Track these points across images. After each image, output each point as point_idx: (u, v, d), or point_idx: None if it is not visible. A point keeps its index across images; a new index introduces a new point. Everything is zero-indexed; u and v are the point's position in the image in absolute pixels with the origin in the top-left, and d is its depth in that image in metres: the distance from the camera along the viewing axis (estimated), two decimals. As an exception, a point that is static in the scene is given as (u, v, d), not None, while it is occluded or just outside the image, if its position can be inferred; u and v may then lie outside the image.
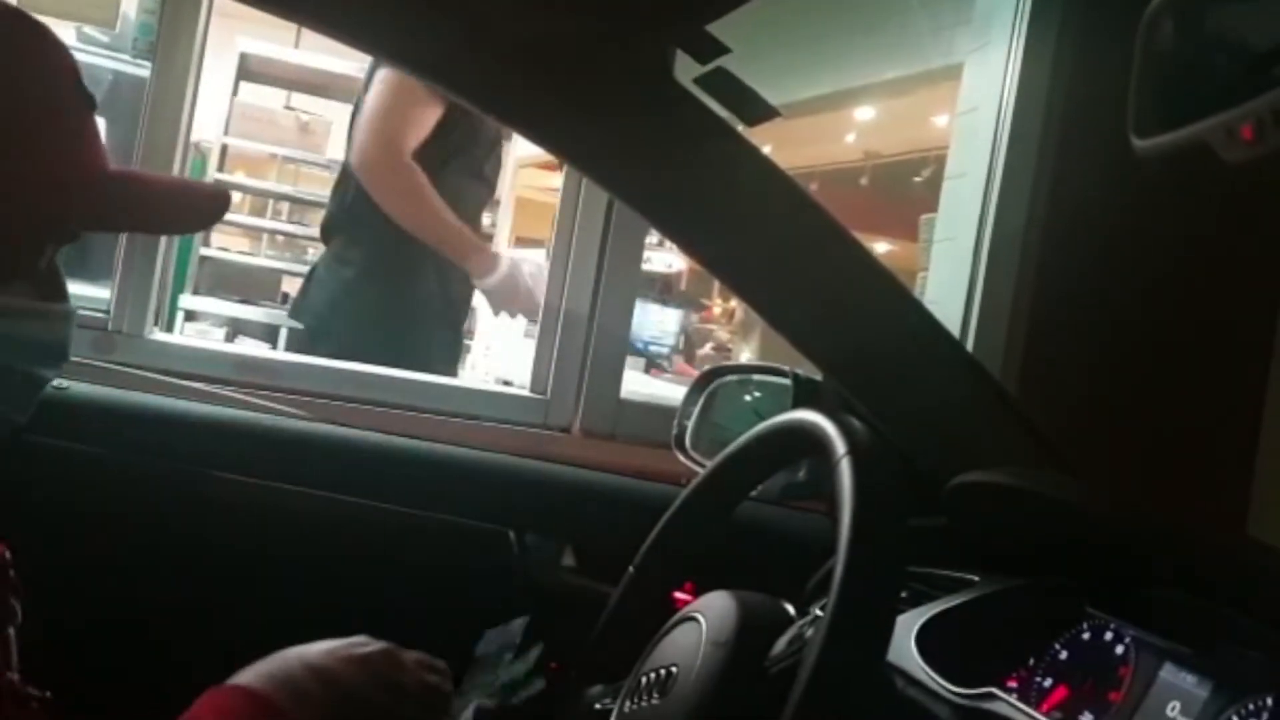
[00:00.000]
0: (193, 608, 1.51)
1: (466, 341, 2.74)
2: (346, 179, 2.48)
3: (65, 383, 1.58)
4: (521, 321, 2.57)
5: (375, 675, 1.07)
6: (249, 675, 0.98)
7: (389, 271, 2.40)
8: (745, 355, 5.59)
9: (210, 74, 2.59)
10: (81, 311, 1.93)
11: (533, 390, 2.10)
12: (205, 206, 1.11)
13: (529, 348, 2.20)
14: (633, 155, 1.19)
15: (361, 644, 1.10)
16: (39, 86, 0.96)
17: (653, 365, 5.63)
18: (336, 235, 2.52)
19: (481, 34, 1.12)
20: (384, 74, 2.36)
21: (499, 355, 2.77)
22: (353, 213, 2.42)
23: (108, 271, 2.00)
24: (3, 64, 0.94)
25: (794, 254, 1.21)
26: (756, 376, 1.47)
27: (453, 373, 2.52)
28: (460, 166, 2.44)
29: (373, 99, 2.35)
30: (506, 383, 2.39)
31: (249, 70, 5.11)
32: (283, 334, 4.04)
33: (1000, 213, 2.13)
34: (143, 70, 2.17)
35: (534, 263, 2.43)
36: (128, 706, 1.47)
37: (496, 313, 2.44)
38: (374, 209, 2.35)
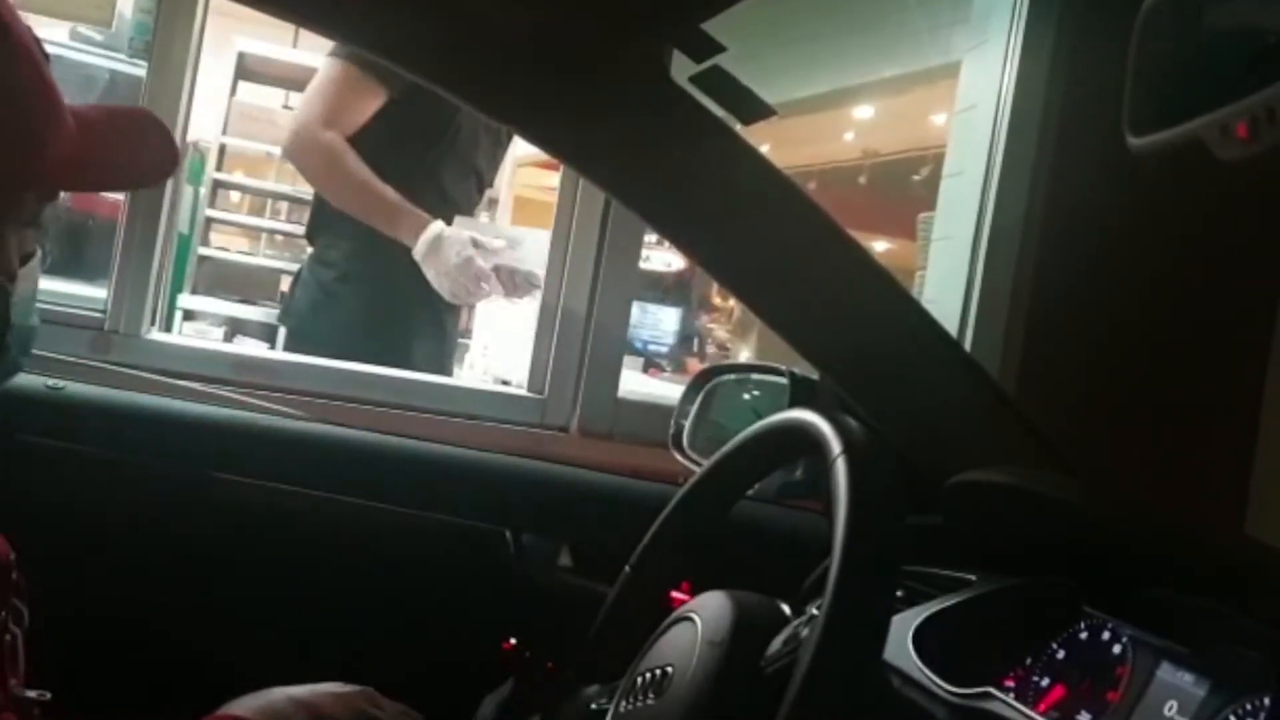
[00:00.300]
0: (190, 607, 1.51)
1: (465, 341, 2.72)
2: None
3: (61, 383, 1.58)
4: (519, 322, 2.54)
5: (356, 713, 1.13)
6: (238, 706, 1.02)
7: (368, 272, 2.38)
8: (744, 354, 5.59)
9: (208, 73, 2.59)
10: (78, 311, 1.94)
11: (530, 390, 2.10)
12: (154, 164, 1.10)
13: (527, 347, 2.20)
14: (629, 154, 1.19)
15: (342, 686, 1.16)
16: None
17: (651, 365, 5.63)
18: (318, 237, 2.51)
19: (478, 33, 1.12)
20: (324, 61, 2.34)
21: (497, 354, 2.76)
22: (330, 213, 2.41)
23: (105, 271, 2.00)
24: None
25: (790, 253, 1.21)
26: (754, 375, 1.47)
27: (441, 374, 2.51)
28: (441, 156, 2.42)
29: (310, 85, 2.35)
30: (505, 382, 2.38)
31: (247, 70, 5.11)
32: (280, 334, 4.04)
33: (998, 211, 2.13)
34: (139, 70, 2.16)
35: (461, 238, 2.29)
36: (127, 706, 1.47)
37: (442, 291, 2.32)
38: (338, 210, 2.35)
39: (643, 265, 2.47)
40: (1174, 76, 0.62)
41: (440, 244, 2.26)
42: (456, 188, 2.47)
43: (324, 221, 2.47)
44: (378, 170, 2.29)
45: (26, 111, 0.94)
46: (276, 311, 3.82)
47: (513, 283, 2.32)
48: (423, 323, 2.43)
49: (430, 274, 2.29)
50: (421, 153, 2.38)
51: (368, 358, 2.13)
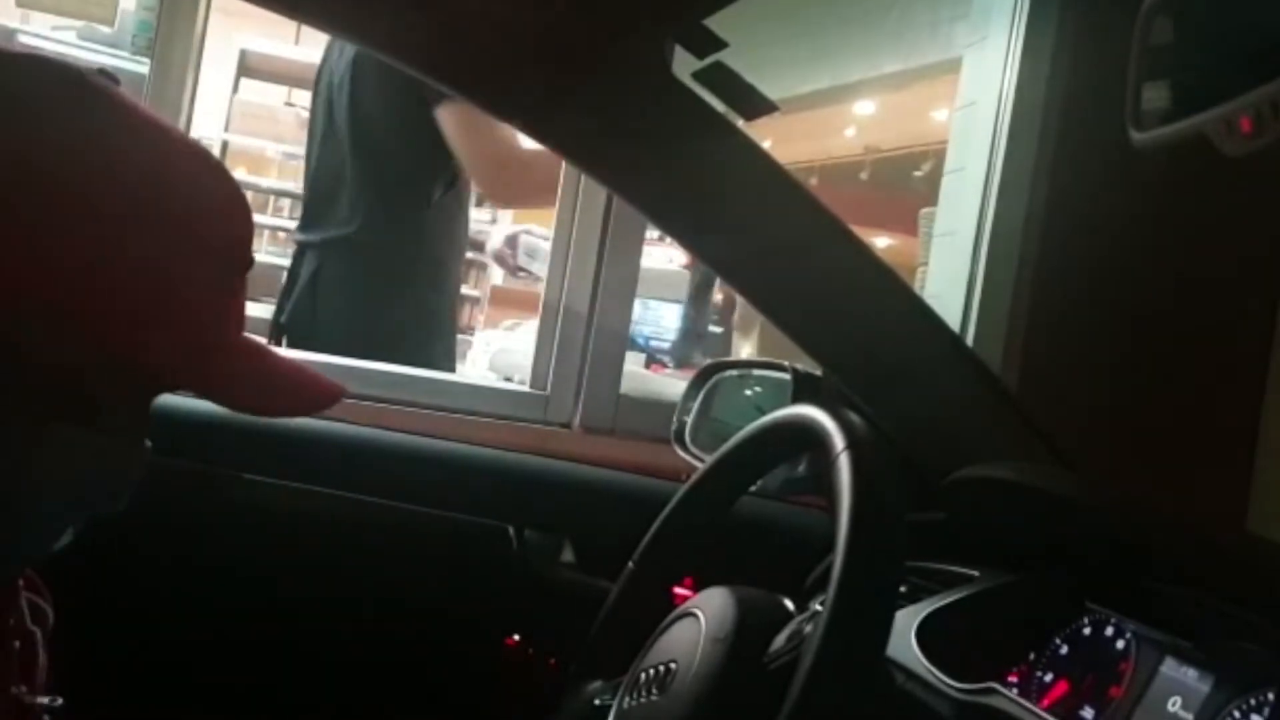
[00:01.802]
0: (195, 604, 1.52)
1: (468, 337, 2.72)
2: (317, 180, 2.47)
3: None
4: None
5: None
6: None
7: (359, 268, 2.37)
8: (746, 350, 5.59)
9: (210, 71, 2.58)
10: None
11: (532, 386, 2.10)
12: (317, 396, 1.01)
13: (529, 344, 2.20)
14: (631, 150, 1.19)
15: None
16: (218, 236, 0.87)
17: (653, 361, 5.62)
18: (310, 233, 2.50)
19: (480, 29, 1.12)
20: (453, 107, 2.32)
21: (501, 351, 2.76)
22: (320, 209, 2.41)
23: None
24: (188, 201, 0.87)
25: (792, 249, 1.21)
26: (756, 371, 1.47)
27: (441, 369, 2.51)
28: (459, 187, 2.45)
29: (460, 137, 2.32)
30: (507, 378, 2.38)
31: (249, 67, 5.12)
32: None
33: (1000, 207, 2.13)
34: (141, 67, 2.16)
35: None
36: (139, 702, 1.48)
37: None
38: (346, 213, 2.34)
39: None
40: (1176, 72, 0.62)
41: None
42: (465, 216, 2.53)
43: (314, 217, 2.46)
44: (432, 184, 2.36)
45: (199, 324, 0.87)
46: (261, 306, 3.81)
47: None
48: (417, 317, 2.42)
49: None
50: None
51: (360, 353, 2.12)
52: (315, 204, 2.47)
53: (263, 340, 0.98)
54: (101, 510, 0.91)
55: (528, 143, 2.25)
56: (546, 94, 1.16)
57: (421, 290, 2.38)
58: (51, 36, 2.91)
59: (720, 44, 1.12)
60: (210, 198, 0.88)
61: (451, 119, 2.30)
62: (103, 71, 0.85)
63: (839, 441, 0.89)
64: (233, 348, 0.90)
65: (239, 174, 5.64)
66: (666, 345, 5.95)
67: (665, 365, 5.58)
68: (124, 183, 0.81)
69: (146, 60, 2.08)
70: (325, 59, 2.48)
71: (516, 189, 2.42)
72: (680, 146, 1.17)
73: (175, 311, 0.84)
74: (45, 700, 0.98)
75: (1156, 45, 0.63)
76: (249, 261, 0.91)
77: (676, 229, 1.28)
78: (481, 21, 1.11)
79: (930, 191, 2.64)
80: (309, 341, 2.35)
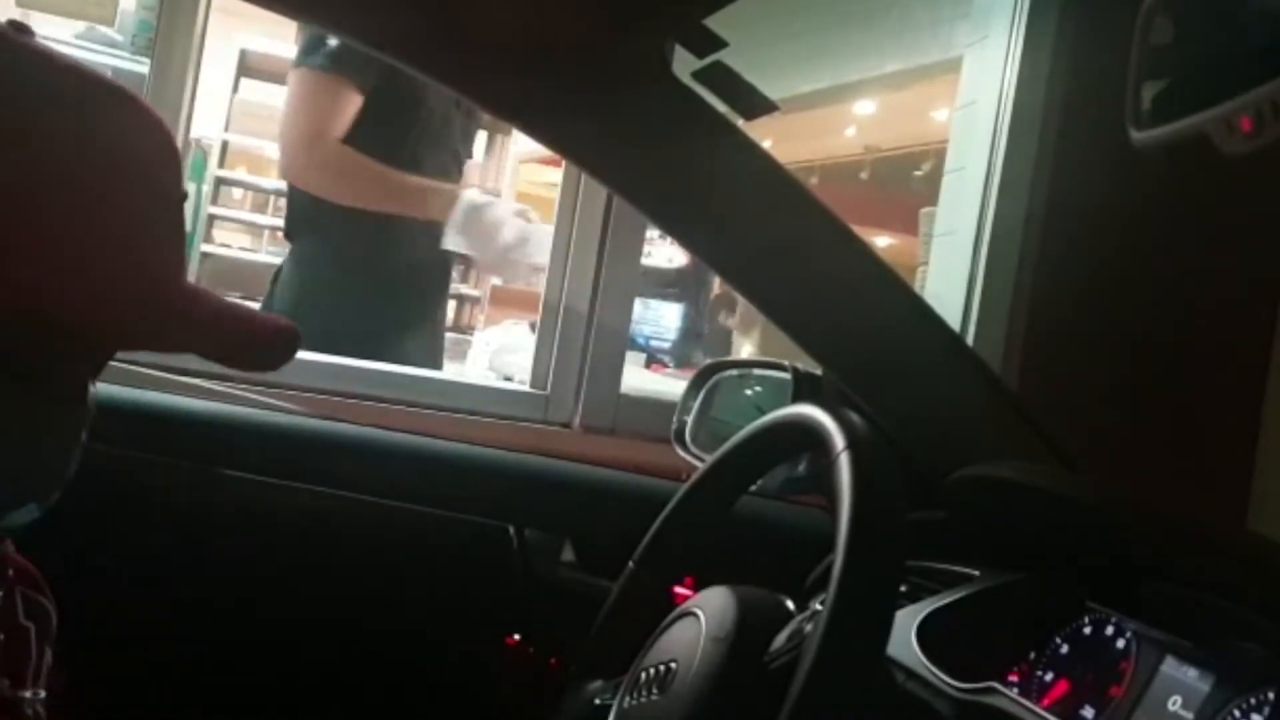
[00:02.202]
0: (195, 604, 1.51)
1: (466, 337, 2.71)
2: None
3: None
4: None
5: None
6: None
7: (346, 268, 2.36)
8: (746, 349, 5.59)
9: (210, 71, 2.58)
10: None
11: (533, 386, 2.10)
12: (275, 342, 0.99)
13: (529, 343, 2.20)
14: (631, 150, 1.19)
15: None
16: (138, 177, 0.86)
17: (654, 360, 5.63)
18: (297, 234, 2.50)
19: (480, 29, 1.12)
20: (293, 74, 2.34)
21: (500, 350, 2.75)
22: (306, 210, 2.40)
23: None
24: (104, 145, 0.86)
25: (793, 248, 1.21)
26: (756, 371, 1.47)
27: (431, 369, 2.50)
28: (419, 139, 2.40)
29: (287, 102, 2.33)
30: (507, 378, 2.38)
31: (249, 67, 5.12)
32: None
33: (1000, 206, 2.13)
34: (141, 67, 2.16)
35: (505, 206, 2.31)
36: (135, 701, 1.48)
37: (484, 269, 2.31)
38: (317, 207, 2.33)
39: (646, 261, 2.45)
40: (1176, 71, 0.62)
41: (479, 213, 2.26)
42: (438, 169, 2.46)
43: (301, 219, 2.46)
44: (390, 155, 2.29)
45: (137, 266, 0.85)
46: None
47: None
48: (406, 317, 2.41)
49: (469, 246, 2.29)
50: (401, 140, 2.36)
51: (347, 354, 2.12)
52: (299, 204, 2.48)
53: (204, 286, 0.96)
54: (55, 480, 0.91)
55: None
56: (546, 94, 1.16)
57: (401, 285, 2.36)
58: (51, 37, 2.91)
59: (720, 43, 1.12)
60: (132, 136, 0.87)
61: (291, 81, 2.33)
62: (12, 23, 0.85)
63: (839, 441, 0.88)
64: (173, 292, 0.88)
65: (239, 174, 5.65)
66: (667, 345, 5.96)
67: (665, 365, 5.59)
68: (42, 128, 0.80)
69: (147, 60, 2.08)
70: None
71: (315, 175, 2.36)
72: (680, 146, 1.17)
73: (106, 256, 0.82)
74: (28, 694, 0.97)
75: (1156, 44, 0.63)
76: (181, 197, 0.90)
77: (676, 229, 1.28)
78: (481, 21, 1.11)
79: (930, 191, 2.64)
80: None
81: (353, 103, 2.29)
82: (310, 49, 2.30)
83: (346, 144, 2.29)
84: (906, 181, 5.53)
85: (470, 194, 2.27)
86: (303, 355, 2.10)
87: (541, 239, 2.24)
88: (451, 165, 2.51)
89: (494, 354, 2.69)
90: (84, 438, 0.94)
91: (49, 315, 0.81)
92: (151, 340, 0.91)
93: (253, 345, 0.94)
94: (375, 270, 2.28)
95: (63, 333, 0.83)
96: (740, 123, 1.21)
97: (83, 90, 0.85)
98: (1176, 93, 0.61)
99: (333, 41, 2.25)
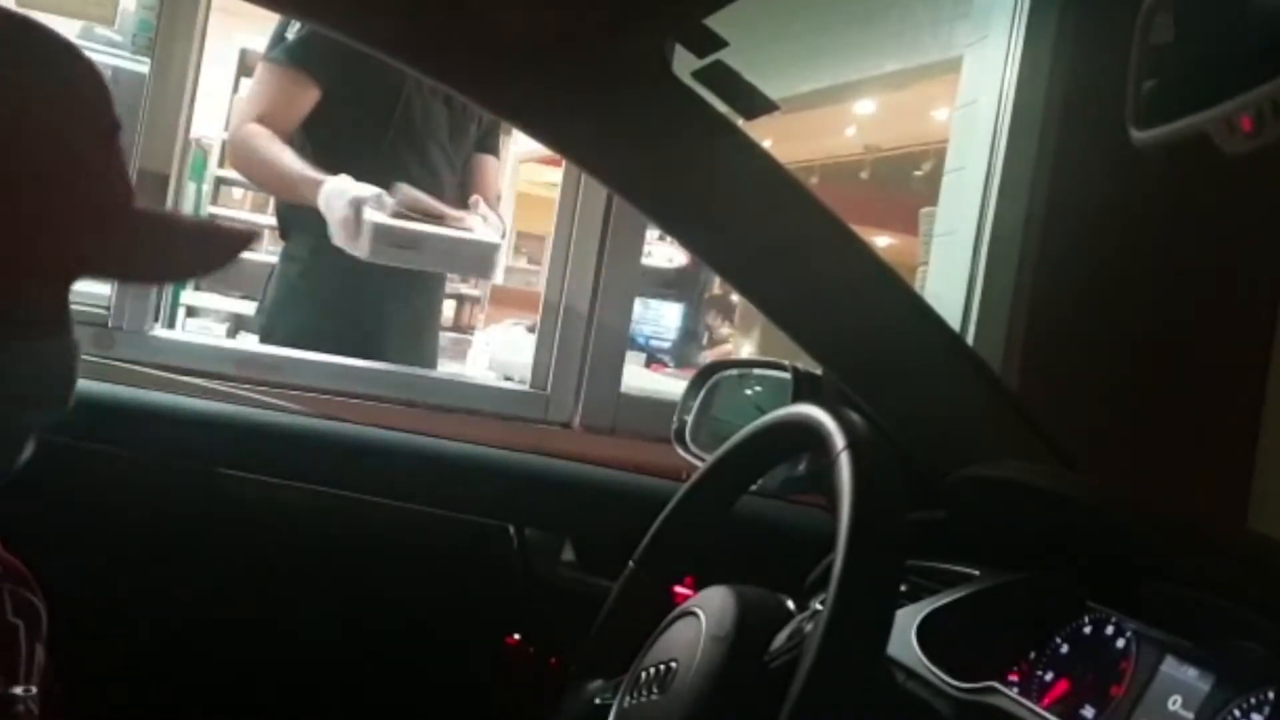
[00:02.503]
0: (196, 603, 1.52)
1: (468, 337, 2.71)
2: None
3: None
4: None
5: None
6: None
7: (332, 266, 2.32)
8: (745, 349, 5.60)
9: (210, 70, 2.58)
10: (82, 307, 1.94)
11: (533, 385, 2.10)
12: (229, 243, 1.02)
13: (528, 343, 2.20)
14: (630, 150, 1.19)
15: None
16: (64, 108, 0.91)
17: (654, 360, 5.63)
18: (287, 233, 2.50)
19: (480, 28, 1.12)
20: (256, 69, 2.36)
21: (499, 349, 2.76)
22: (294, 209, 2.40)
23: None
24: (25, 82, 0.89)
25: (793, 248, 1.21)
26: (756, 371, 1.47)
27: (423, 367, 2.49)
28: (398, 136, 2.39)
29: (256, 74, 2.36)
30: (507, 377, 2.38)
31: (249, 67, 5.10)
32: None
33: (1000, 206, 2.13)
34: (142, 66, 2.16)
35: (339, 189, 2.17)
36: (135, 700, 1.48)
37: (336, 241, 2.17)
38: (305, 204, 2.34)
39: (645, 261, 2.45)
40: (1177, 70, 0.61)
41: (327, 197, 2.17)
42: (420, 166, 2.44)
43: (291, 218, 2.46)
44: (335, 160, 2.24)
45: (80, 196, 0.88)
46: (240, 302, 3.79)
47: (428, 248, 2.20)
48: (394, 315, 2.41)
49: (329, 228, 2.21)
50: (376, 135, 2.36)
51: (335, 351, 2.12)
52: (283, 209, 2.50)
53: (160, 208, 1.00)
54: (51, 413, 0.93)
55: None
56: (546, 94, 1.16)
57: (389, 283, 2.36)
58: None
59: (721, 43, 1.12)
60: (53, 69, 0.89)
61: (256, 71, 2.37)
62: None
63: (839, 440, 0.89)
64: (127, 214, 0.91)
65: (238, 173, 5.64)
66: (666, 344, 5.97)
67: (665, 364, 5.59)
68: None
69: (147, 60, 2.08)
70: None
71: (235, 162, 2.47)
72: (680, 146, 1.17)
73: (46, 187, 0.85)
74: (20, 691, 0.98)
75: (1157, 44, 0.63)
76: (113, 124, 0.92)
77: (676, 229, 1.28)
78: (481, 21, 1.11)
79: (929, 191, 2.63)
80: (281, 336, 2.34)
81: (307, 96, 2.29)
82: (271, 44, 2.32)
83: (309, 140, 2.30)
84: (906, 181, 5.53)
85: (329, 183, 2.18)
86: (302, 354, 2.12)
87: (377, 217, 2.13)
88: (440, 163, 2.49)
89: (494, 353, 2.69)
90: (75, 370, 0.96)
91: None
92: (111, 266, 0.94)
93: (207, 251, 0.97)
94: (363, 269, 2.26)
95: (12, 268, 0.85)
96: (740, 122, 1.21)
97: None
98: (1177, 92, 0.61)
99: (291, 35, 2.26)
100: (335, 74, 2.26)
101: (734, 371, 1.48)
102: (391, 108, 2.37)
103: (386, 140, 2.37)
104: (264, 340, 2.39)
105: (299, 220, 2.38)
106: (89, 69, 0.92)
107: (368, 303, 2.36)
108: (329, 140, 2.31)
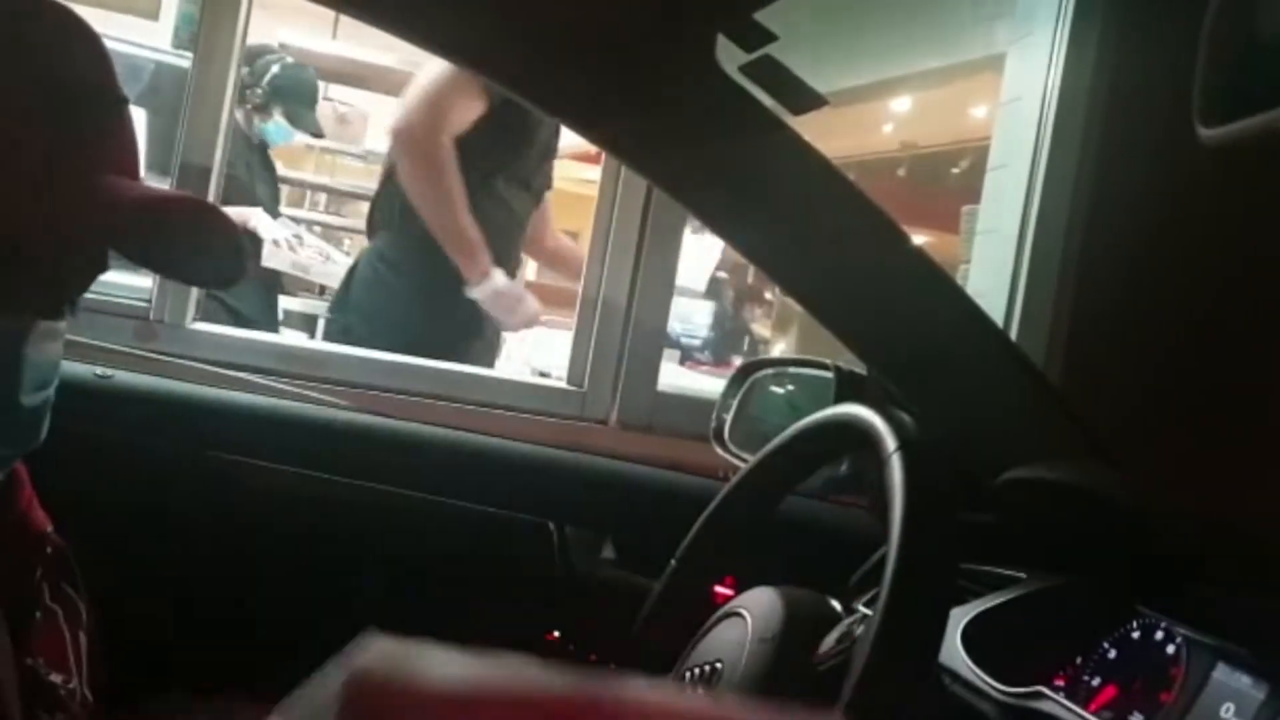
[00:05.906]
0: (233, 595, 1.52)
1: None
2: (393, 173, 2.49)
3: (110, 372, 1.59)
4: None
5: None
6: None
7: (425, 269, 2.38)
8: (779, 348, 5.58)
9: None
10: (122, 300, 1.95)
11: (570, 382, 2.10)
12: (223, 263, 1.03)
13: (563, 341, 2.20)
14: (677, 146, 1.18)
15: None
16: (68, 81, 0.91)
17: (688, 358, 5.61)
18: (380, 231, 2.52)
19: (526, 23, 1.12)
20: (429, 66, 2.36)
21: (536, 347, 2.76)
22: (393, 210, 2.42)
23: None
24: (31, 56, 0.88)
25: (840, 245, 1.20)
26: (793, 370, 1.46)
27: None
28: (509, 177, 2.44)
29: (423, 78, 2.34)
30: (543, 374, 2.38)
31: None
32: (320, 324, 4.06)
33: (1044, 204, 2.11)
34: (184, 60, 2.18)
35: (515, 292, 2.45)
36: (172, 691, 1.48)
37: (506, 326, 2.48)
38: (403, 201, 2.35)
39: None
40: (1249, 64, 0.60)
41: (499, 299, 2.36)
42: (519, 207, 2.51)
43: (386, 218, 2.48)
44: (466, 175, 2.31)
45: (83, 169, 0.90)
46: (316, 302, 3.84)
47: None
48: (472, 319, 2.43)
49: (494, 313, 2.41)
50: (515, 156, 2.42)
51: (422, 352, 2.13)
52: (386, 202, 2.52)
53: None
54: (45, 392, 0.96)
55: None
56: (592, 90, 1.15)
57: (438, 293, 2.38)
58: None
59: (770, 37, 1.11)
60: (53, 38, 0.89)
61: (423, 73, 2.38)
62: None
63: (891, 442, 0.88)
64: (104, 187, 0.92)
65: (276, 167, 5.67)
66: (701, 342, 5.95)
67: (701, 362, 5.57)
68: None
69: (189, 54, 2.09)
70: None
71: (410, 165, 2.43)
72: (727, 140, 1.16)
73: (26, 161, 0.85)
74: (59, 679, 0.98)
75: (1227, 36, 0.61)
76: (115, 99, 0.91)
77: (722, 225, 1.27)
78: (529, 18, 1.11)
79: (968, 188, 2.61)
80: (345, 336, 2.37)
81: (474, 111, 2.31)
82: None
83: (461, 149, 2.32)
84: (944, 179, 5.49)
85: (496, 279, 2.36)
86: (342, 349, 2.13)
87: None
88: (530, 206, 2.57)
89: (531, 350, 2.69)
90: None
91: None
92: (115, 241, 0.95)
93: (167, 225, 0.99)
94: (452, 268, 2.31)
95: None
96: (787, 118, 1.20)
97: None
98: (1248, 87, 0.59)
99: None
100: (500, 95, 2.28)
101: (772, 370, 1.47)
102: (530, 141, 2.43)
103: (524, 162, 2.44)
104: (340, 339, 2.41)
105: (393, 222, 2.41)
106: (90, 40, 0.92)
107: (455, 303, 2.38)
108: (465, 154, 2.32)
